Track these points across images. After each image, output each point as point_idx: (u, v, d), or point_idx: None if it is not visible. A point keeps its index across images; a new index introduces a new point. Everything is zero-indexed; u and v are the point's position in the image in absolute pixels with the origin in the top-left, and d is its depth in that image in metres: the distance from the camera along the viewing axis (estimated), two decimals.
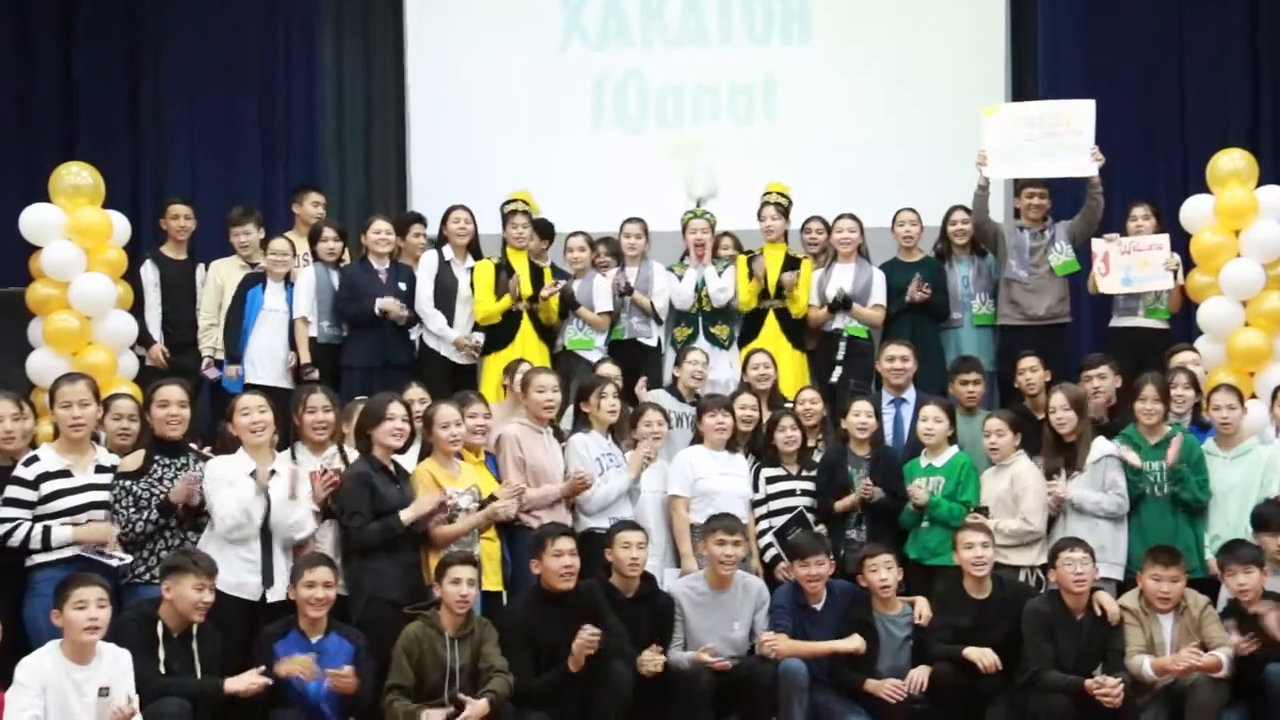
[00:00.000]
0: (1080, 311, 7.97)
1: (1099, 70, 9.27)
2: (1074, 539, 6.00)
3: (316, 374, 7.48)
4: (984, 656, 5.78)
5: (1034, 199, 7.89)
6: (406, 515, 5.76)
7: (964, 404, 7.02)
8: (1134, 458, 6.38)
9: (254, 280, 7.79)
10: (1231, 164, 7.72)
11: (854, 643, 5.88)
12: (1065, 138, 7.64)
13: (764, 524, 6.68)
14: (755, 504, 6.71)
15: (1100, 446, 6.43)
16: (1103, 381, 6.86)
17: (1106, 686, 5.57)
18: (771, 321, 7.84)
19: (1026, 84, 9.76)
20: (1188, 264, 7.70)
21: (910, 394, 7.19)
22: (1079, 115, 7.68)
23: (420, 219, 8.31)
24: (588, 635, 5.54)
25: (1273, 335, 7.48)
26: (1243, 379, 7.22)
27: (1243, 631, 5.66)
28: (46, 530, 5.52)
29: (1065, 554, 5.88)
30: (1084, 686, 5.61)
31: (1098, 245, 7.65)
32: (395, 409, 5.94)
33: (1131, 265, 7.57)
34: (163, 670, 5.17)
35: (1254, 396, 7.05)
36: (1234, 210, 7.60)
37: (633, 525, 6.06)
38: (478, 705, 5.32)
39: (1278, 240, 7.56)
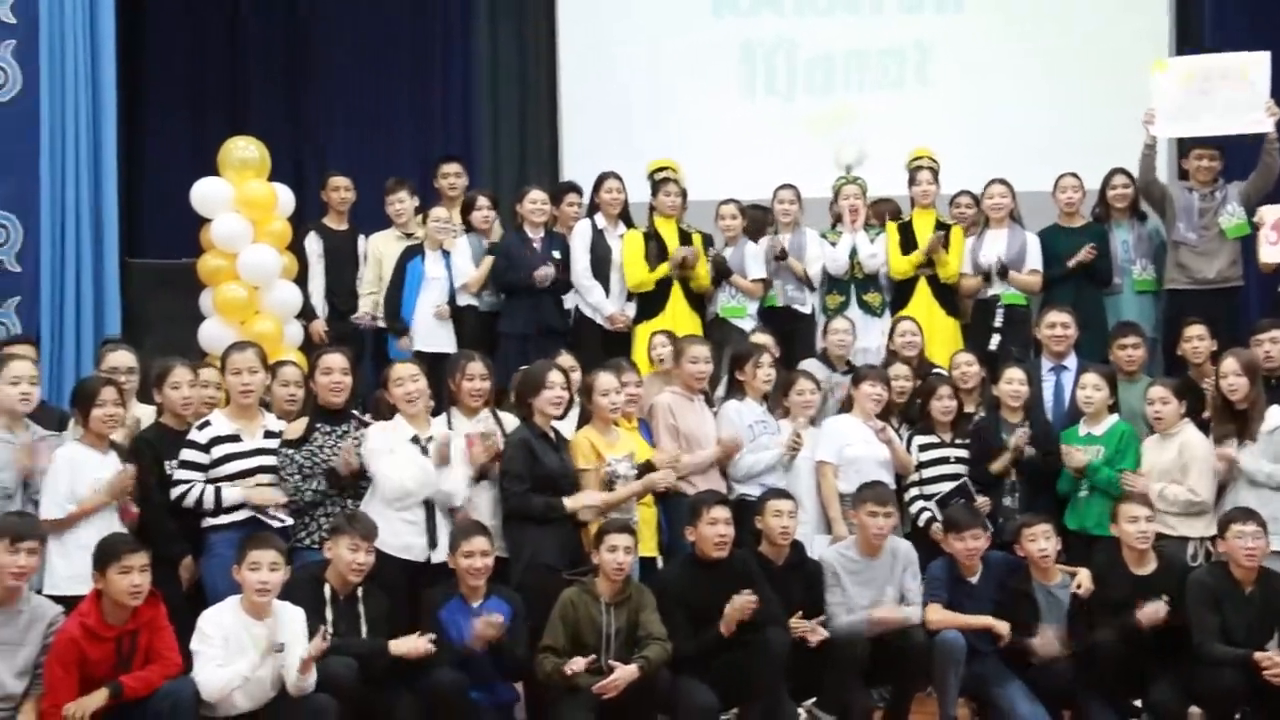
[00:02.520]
0: (1251, 275, 7.72)
1: (1271, 17, 8.92)
2: (1246, 510, 5.84)
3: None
4: (1157, 611, 5.66)
5: (1203, 161, 7.65)
6: (569, 504, 5.86)
7: (1124, 369, 6.86)
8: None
9: (413, 252, 7.95)
10: None
11: (1002, 625, 5.81)
12: (1238, 92, 7.41)
13: (914, 491, 6.64)
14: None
15: (1275, 415, 6.23)
16: (1275, 346, 6.62)
17: (1273, 662, 5.44)
18: (923, 288, 7.78)
19: (1191, 36, 9.46)
20: None
21: (1071, 361, 7.08)
22: (1254, 68, 7.44)
23: (575, 188, 8.38)
24: (743, 600, 5.56)
25: None
26: None
27: None
28: (218, 491, 5.71)
29: (1236, 526, 5.73)
30: (1252, 660, 5.47)
31: (1267, 212, 7.37)
32: (555, 376, 6.03)
33: None
34: (331, 631, 5.30)
35: None
36: None
37: (783, 494, 6.07)
38: (627, 669, 5.37)
39: None
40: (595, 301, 7.86)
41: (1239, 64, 7.51)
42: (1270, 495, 6.12)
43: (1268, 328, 6.72)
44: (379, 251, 8.17)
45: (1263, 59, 7.45)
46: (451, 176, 8.37)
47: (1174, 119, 7.59)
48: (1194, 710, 5.79)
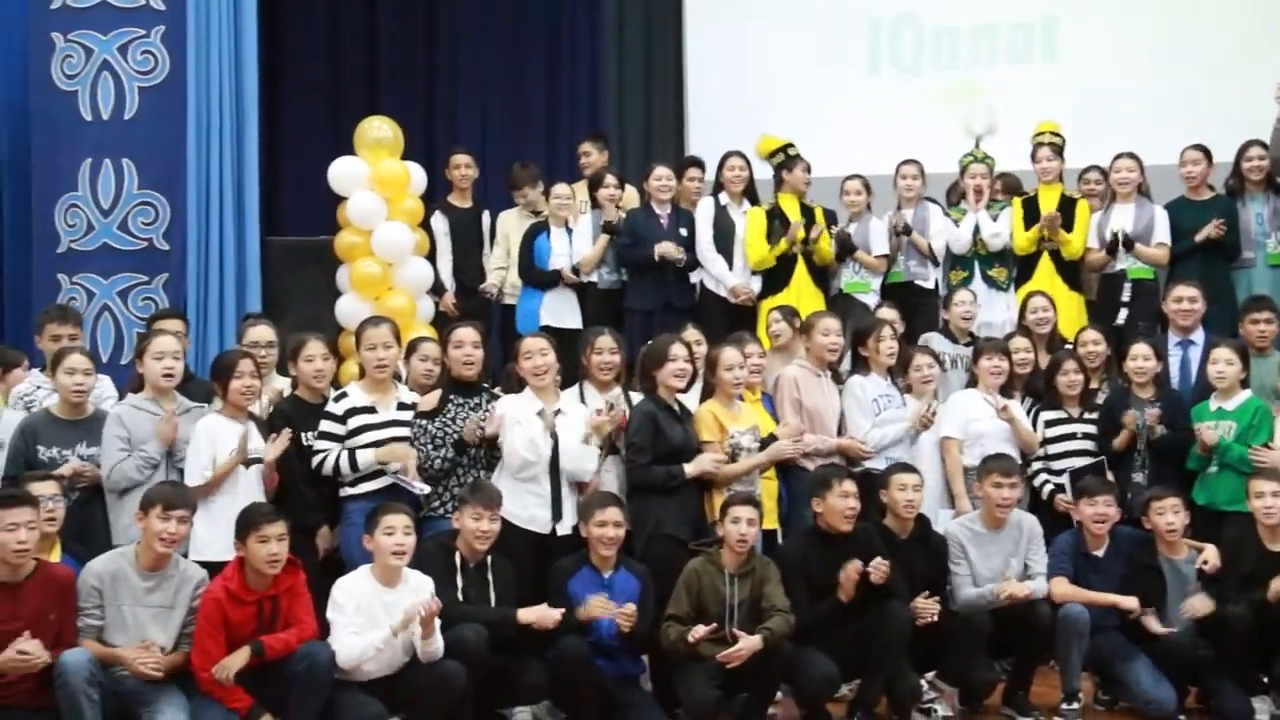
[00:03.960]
0: None
1: None
2: None
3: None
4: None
5: None
6: (690, 469, 5.92)
7: (1255, 344, 6.76)
8: None
9: (538, 229, 8.10)
10: None
11: (1130, 600, 5.79)
12: None
13: (1038, 465, 6.62)
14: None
15: None
16: None
17: None
18: (1046, 263, 7.75)
19: None
20: None
21: (1199, 336, 7.00)
22: None
23: (697, 162, 8.44)
24: (872, 565, 5.58)
25: None
26: None
27: None
28: (352, 454, 5.84)
29: None
30: None
31: None
32: (677, 350, 6.09)
33: None
34: (460, 598, 5.47)
35: None
36: None
37: (908, 468, 6.07)
38: (751, 640, 5.42)
39: None
40: (718, 273, 7.93)
41: None
42: None
43: None
44: (506, 230, 8.35)
45: None
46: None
47: None
48: None
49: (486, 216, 8.57)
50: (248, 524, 5.20)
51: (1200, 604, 5.71)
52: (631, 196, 8.23)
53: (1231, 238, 7.58)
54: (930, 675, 5.96)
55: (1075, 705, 5.80)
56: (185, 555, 5.43)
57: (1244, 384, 6.48)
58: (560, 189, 8.17)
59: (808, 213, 7.95)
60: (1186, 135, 7.99)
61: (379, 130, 8.22)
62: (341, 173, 8.12)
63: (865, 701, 5.72)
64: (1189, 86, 9.38)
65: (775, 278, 7.89)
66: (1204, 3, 9.53)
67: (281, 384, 6.44)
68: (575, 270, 7.92)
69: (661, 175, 8.00)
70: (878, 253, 7.92)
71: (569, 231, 8.06)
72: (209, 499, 5.60)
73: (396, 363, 6.19)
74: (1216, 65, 9.31)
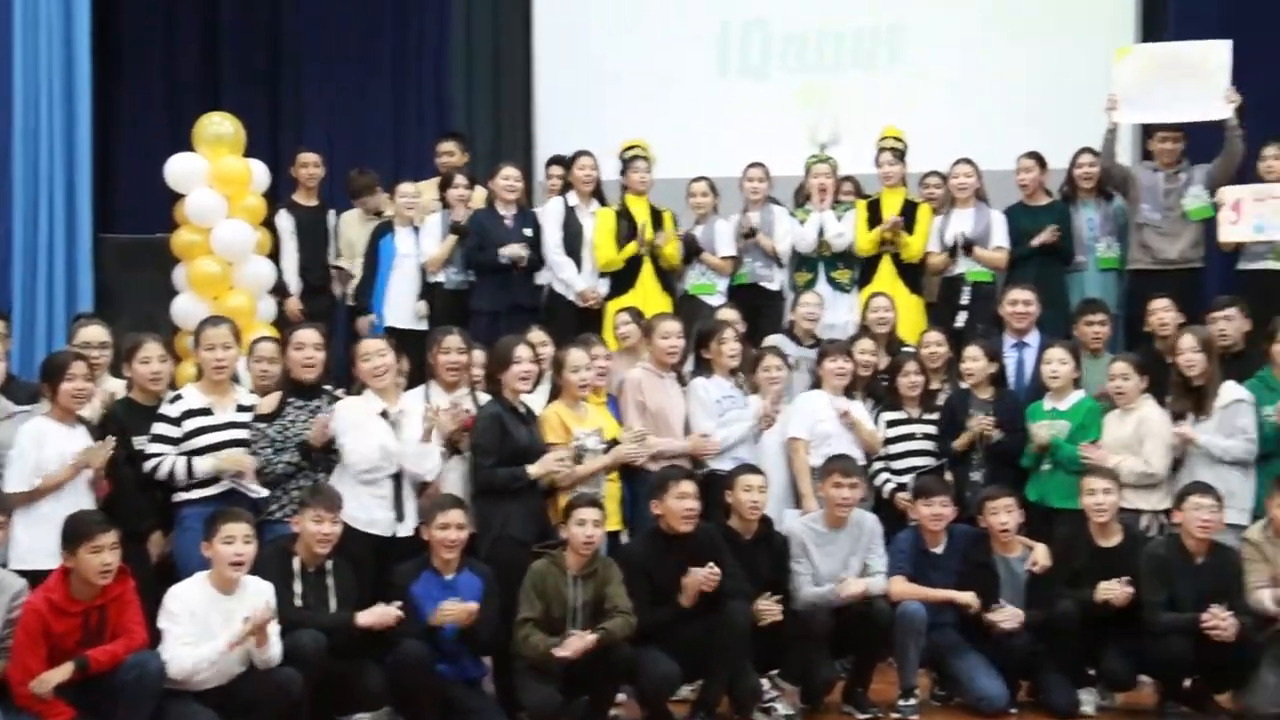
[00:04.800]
0: (1211, 256, 7.81)
1: (1234, 7, 9.03)
2: (1203, 484, 5.93)
3: None
4: (1114, 591, 5.76)
5: (1167, 143, 7.73)
6: (534, 470, 5.89)
7: (1089, 346, 6.96)
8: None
9: (384, 229, 8.00)
10: None
11: (967, 596, 5.91)
12: (1199, 80, 7.47)
13: (879, 464, 6.72)
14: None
15: (1229, 391, 6.33)
16: (1229, 324, 6.73)
17: (1218, 619, 5.54)
18: (887, 266, 7.87)
19: (1157, 18, 9.56)
20: None
21: (1033, 338, 7.16)
22: (1215, 56, 7.50)
23: (560, 160, 8.43)
24: (705, 573, 5.62)
25: None
26: None
27: None
28: (189, 461, 5.70)
29: (1193, 499, 5.83)
30: (1197, 623, 5.58)
31: (1228, 193, 7.45)
32: (522, 352, 6.06)
33: (1265, 213, 7.35)
34: (298, 604, 5.37)
35: None
36: None
37: (753, 469, 6.11)
38: (587, 638, 5.41)
39: None
40: (567, 278, 7.91)
41: (1201, 52, 7.58)
42: (1224, 470, 6.23)
43: (1224, 305, 6.84)
44: (348, 230, 8.24)
45: (1224, 48, 7.52)
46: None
47: (1136, 105, 7.65)
48: (1145, 678, 5.93)
49: (333, 216, 8.44)
50: (78, 533, 5.02)
51: (1008, 616, 5.84)
52: (481, 197, 8.17)
53: (1066, 242, 7.77)
54: (771, 674, 6.00)
55: (912, 701, 5.91)
56: (4, 564, 5.24)
57: (1077, 384, 6.65)
58: (406, 188, 8.08)
59: (656, 215, 7.96)
60: (1024, 142, 8.17)
61: (219, 126, 8.03)
62: (180, 169, 7.91)
63: (707, 701, 5.75)
64: (1028, 95, 9.60)
65: (622, 279, 7.90)
66: (1044, 16, 9.76)
67: (115, 386, 6.24)
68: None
69: (509, 175, 7.96)
70: (723, 254, 7.97)
71: (416, 231, 7.97)
72: (32, 505, 5.40)
73: (235, 364, 6.06)
74: (1054, 76, 9.54)
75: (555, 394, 6.35)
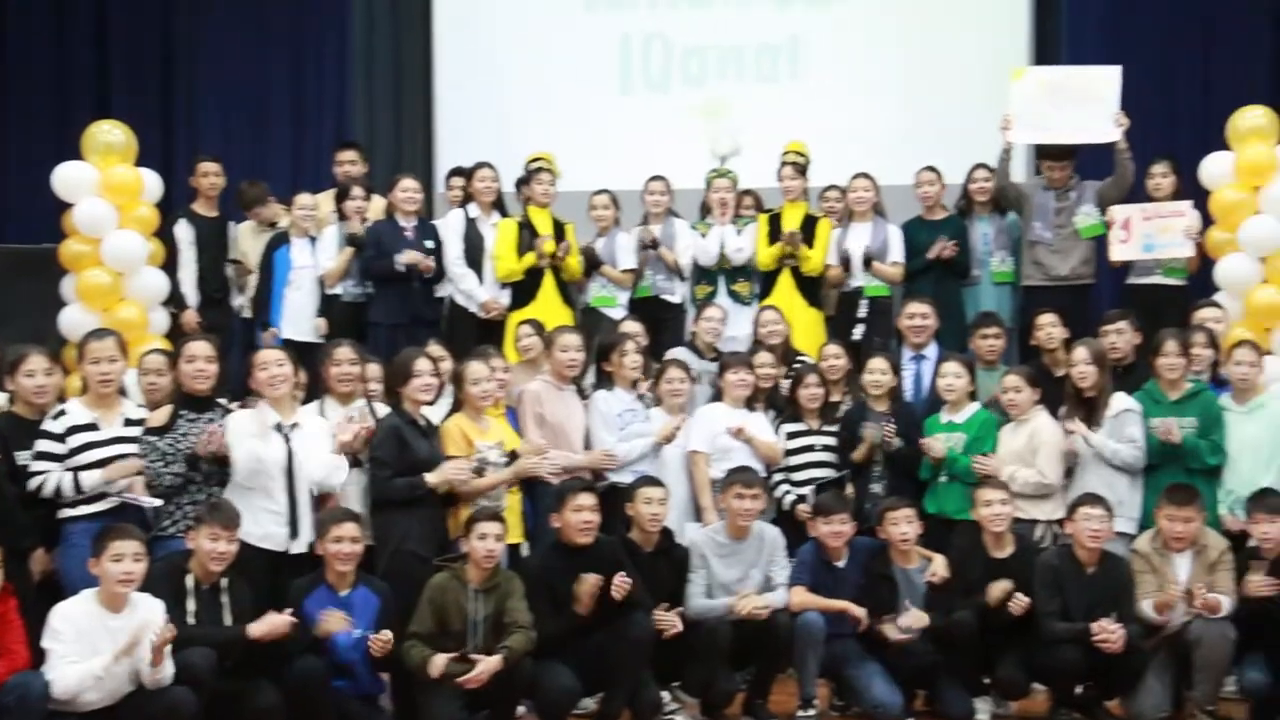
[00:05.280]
0: (1102, 272, 7.98)
1: (1122, 28, 9.26)
2: (1093, 495, 6.05)
3: None
4: (1003, 590, 5.84)
5: (1055, 171, 7.88)
6: (433, 479, 5.84)
7: (984, 359, 7.06)
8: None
9: (279, 241, 7.90)
10: (1252, 121, 7.70)
11: (858, 610, 5.95)
12: (1090, 104, 7.63)
13: (780, 476, 6.75)
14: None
15: (1119, 401, 6.46)
16: (1120, 337, 6.87)
17: (1106, 631, 5.63)
18: (786, 279, 7.92)
19: (1050, 39, 9.75)
20: (1206, 221, 7.69)
21: (931, 350, 7.25)
22: (1104, 81, 7.68)
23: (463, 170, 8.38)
24: (592, 580, 5.61)
25: None
26: (1259, 335, 7.24)
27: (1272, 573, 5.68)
28: (76, 477, 5.58)
29: (1084, 509, 5.94)
30: (1088, 633, 5.67)
31: (1119, 211, 7.61)
32: (422, 365, 6.02)
33: (1153, 232, 7.53)
34: (191, 621, 5.26)
35: (1269, 352, 7.06)
36: (1254, 167, 7.60)
37: (654, 481, 6.12)
38: (490, 661, 5.37)
39: None
40: (468, 289, 7.87)
41: (1092, 76, 7.76)
42: (1114, 480, 6.36)
43: (1114, 319, 6.98)
44: (241, 242, 8.15)
45: (1114, 73, 7.69)
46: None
47: (1030, 126, 7.79)
48: (1039, 686, 6.01)
49: (232, 226, 8.33)
50: None
51: (915, 618, 5.91)
52: (378, 208, 8.10)
53: (962, 257, 7.88)
54: (672, 686, 6.01)
55: (811, 711, 5.93)
56: None
57: (973, 397, 6.74)
58: (303, 199, 7.98)
59: (558, 228, 7.95)
60: (922, 157, 8.27)
61: (110, 134, 7.86)
62: (68, 178, 7.73)
63: (608, 714, 5.74)
64: (925, 111, 9.72)
65: (523, 291, 7.88)
66: (942, 33, 9.90)
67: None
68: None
69: (408, 187, 7.91)
70: (624, 267, 7.98)
71: (313, 242, 7.88)
72: None
73: (122, 377, 5.93)
74: (951, 92, 9.67)
75: (456, 407, 6.29)
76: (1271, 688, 5.71)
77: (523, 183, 8.18)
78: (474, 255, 7.91)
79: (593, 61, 10.16)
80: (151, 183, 7.95)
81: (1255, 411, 6.43)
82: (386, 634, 5.38)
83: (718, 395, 6.91)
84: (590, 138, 9.64)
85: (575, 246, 7.95)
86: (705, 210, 8.21)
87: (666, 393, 6.76)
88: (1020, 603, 5.82)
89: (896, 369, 6.96)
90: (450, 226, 7.99)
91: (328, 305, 7.83)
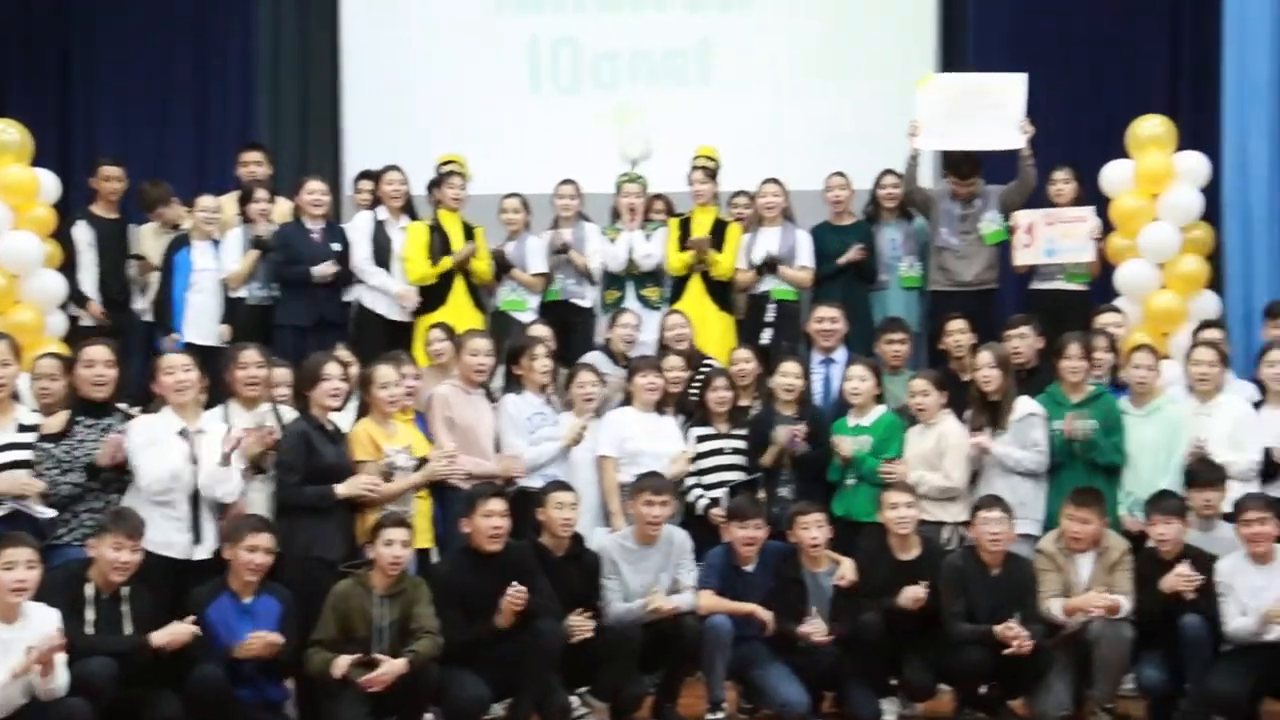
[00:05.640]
0: (1006, 277, 8.10)
1: (1026, 38, 9.42)
2: (993, 497, 6.13)
3: None
4: (917, 595, 5.90)
5: (962, 189, 7.96)
6: (342, 490, 5.77)
7: (889, 363, 7.13)
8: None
9: (179, 243, 7.79)
10: (1151, 130, 7.90)
11: (766, 613, 5.97)
12: (995, 111, 7.74)
13: (691, 480, 6.75)
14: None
15: (1023, 405, 6.55)
16: (1023, 341, 6.98)
17: (1013, 632, 5.70)
18: (696, 283, 7.93)
19: (956, 47, 9.89)
20: (1106, 227, 7.85)
21: (840, 354, 7.31)
22: (1009, 89, 7.79)
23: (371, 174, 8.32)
24: (514, 592, 5.60)
25: (1187, 297, 7.71)
26: (1158, 339, 7.41)
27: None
28: None
29: (983, 513, 6.02)
30: (992, 634, 5.74)
31: (1022, 216, 7.76)
32: (332, 369, 5.95)
33: (1055, 237, 7.68)
34: (90, 631, 5.17)
35: (1167, 357, 7.22)
36: (1152, 175, 7.79)
37: (564, 486, 6.12)
38: (395, 663, 5.33)
39: (1194, 204, 7.78)
40: (380, 283, 7.80)
41: (997, 84, 7.87)
42: (1018, 482, 6.45)
43: (1017, 324, 7.09)
44: (143, 244, 8.02)
45: (1019, 80, 7.81)
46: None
47: (936, 133, 7.89)
48: (945, 687, 6.07)
49: (133, 228, 8.19)
50: None
51: (815, 629, 5.94)
52: (284, 210, 8.00)
53: (870, 261, 7.97)
54: (581, 691, 6.00)
55: (720, 714, 5.95)
56: None
57: (879, 400, 6.80)
58: (205, 201, 7.87)
59: (468, 231, 7.91)
60: (831, 162, 8.36)
61: (4, 134, 7.70)
62: None
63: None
64: (834, 116, 9.80)
65: (434, 295, 7.82)
66: (851, 40, 9.98)
67: None
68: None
69: (314, 190, 7.83)
70: (535, 271, 7.96)
71: (216, 245, 7.77)
72: None
73: (15, 382, 5.78)
74: (860, 98, 9.76)
75: (363, 411, 6.23)
76: (1168, 685, 5.83)
77: (434, 185, 8.13)
78: (382, 258, 7.84)
79: (503, 64, 10.11)
80: (48, 183, 7.80)
81: (1153, 414, 6.56)
82: (274, 636, 5.30)
83: (628, 399, 6.90)
84: (500, 141, 9.61)
85: (485, 250, 7.91)
86: (615, 215, 8.21)
87: (578, 396, 6.76)
88: (917, 596, 5.87)
89: (806, 373, 7.01)
90: (358, 229, 7.91)
91: (232, 309, 7.72)
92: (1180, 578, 5.73)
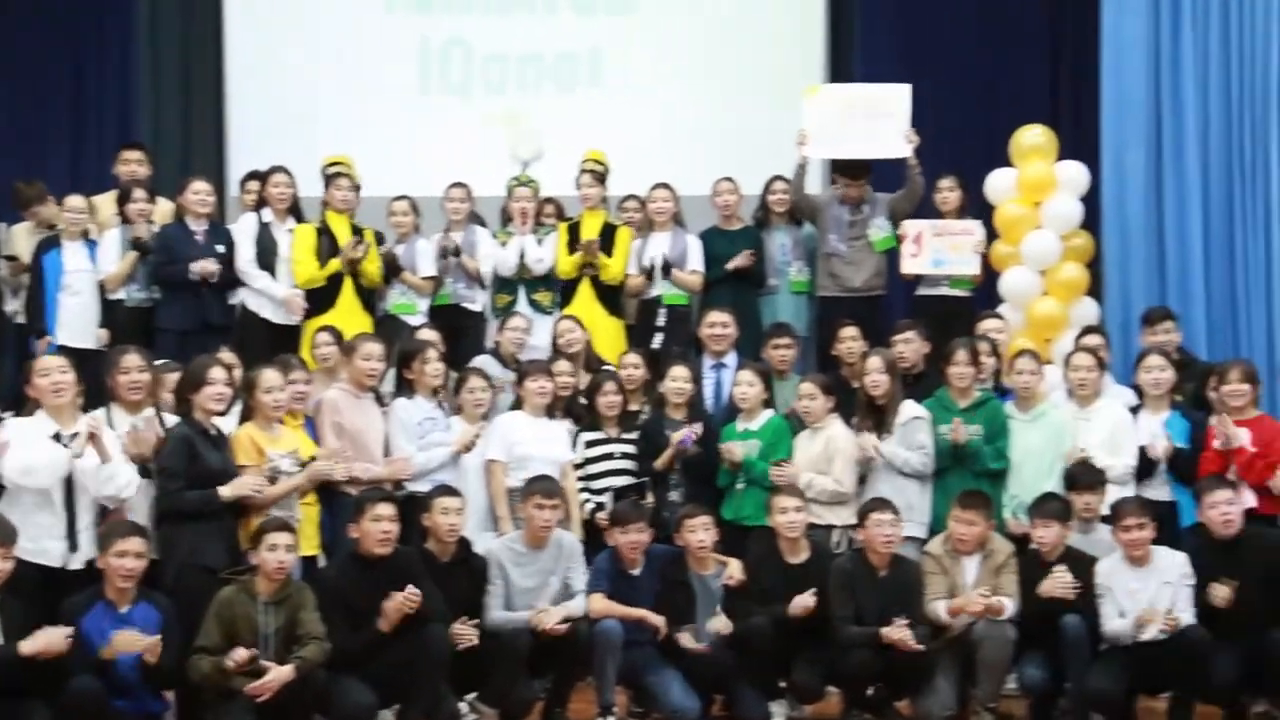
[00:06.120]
0: (894, 283, 8.21)
1: (912, 48, 9.57)
2: (882, 500, 6.20)
3: None
4: (805, 603, 5.93)
5: (851, 190, 8.06)
6: (226, 492, 5.68)
7: (776, 368, 7.17)
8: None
9: (49, 244, 7.61)
10: (1033, 139, 8.06)
11: (656, 618, 5.98)
12: (881, 120, 7.89)
13: (580, 484, 6.74)
14: (575, 466, 6.77)
15: (909, 409, 6.64)
16: (908, 346, 7.07)
17: (898, 634, 5.77)
18: (586, 288, 7.92)
19: (844, 55, 10.02)
20: (991, 235, 7.99)
21: (731, 359, 7.34)
22: (895, 99, 7.94)
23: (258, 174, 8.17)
24: (401, 598, 5.54)
25: (1068, 304, 7.87)
26: (1040, 345, 7.55)
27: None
28: None
29: (874, 515, 6.07)
30: (879, 636, 5.81)
31: (910, 227, 7.88)
32: (216, 373, 5.84)
33: (943, 248, 7.82)
34: None
35: (1049, 362, 7.37)
36: (1035, 183, 7.95)
37: (451, 491, 6.07)
38: (282, 670, 5.26)
39: (1074, 213, 7.96)
40: (264, 286, 7.68)
41: (883, 94, 8.02)
42: (904, 485, 6.52)
43: (903, 329, 7.18)
44: (16, 244, 7.83)
45: (904, 91, 7.96)
46: (131, 164, 8.02)
47: (824, 142, 8.02)
48: (833, 689, 6.13)
49: (2, 228, 7.98)
50: None
51: (721, 624, 5.97)
52: (164, 211, 7.84)
53: (759, 266, 8.02)
54: (470, 698, 5.95)
55: (610, 719, 5.93)
56: None
57: (768, 405, 6.84)
58: (74, 201, 7.70)
59: (357, 233, 7.81)
60: (721, 168, 8.39)
61: None
62: None
63: None
64: (723, 122, 9.86)
65: (322, 298, 7.71)
66: (741, 46, 10.04)
67: None
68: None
69: (199, 190, 7.70)
70: (425, 275, 7.89)
71: (91, 245, 7.61)
72: None
73: None
74: (750, 104, 9.83)
75: (247, 415, 6.12)
76: (1048, 684, 5.94)
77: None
78: (266, 260, 7.72)
79: (392, 65, 10.02)
80: None
81: (1037, 420, 6.68)
82: (148, 639, 5.18)
83: (518, 403, 6.87)
84: (390, 142, 9.51)
85: (375, 252, 7.82)
86: (506, 218, 8.17)
87: (468, 401, 6.71)
88: (804, 604, 5.91)
89: (697, 378, 7.04)
90: (243, 230, 7.79)
91: (109, 311, 7.56)
92: (1056, 584, 5.84)
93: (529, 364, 7.05)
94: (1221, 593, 5.77)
